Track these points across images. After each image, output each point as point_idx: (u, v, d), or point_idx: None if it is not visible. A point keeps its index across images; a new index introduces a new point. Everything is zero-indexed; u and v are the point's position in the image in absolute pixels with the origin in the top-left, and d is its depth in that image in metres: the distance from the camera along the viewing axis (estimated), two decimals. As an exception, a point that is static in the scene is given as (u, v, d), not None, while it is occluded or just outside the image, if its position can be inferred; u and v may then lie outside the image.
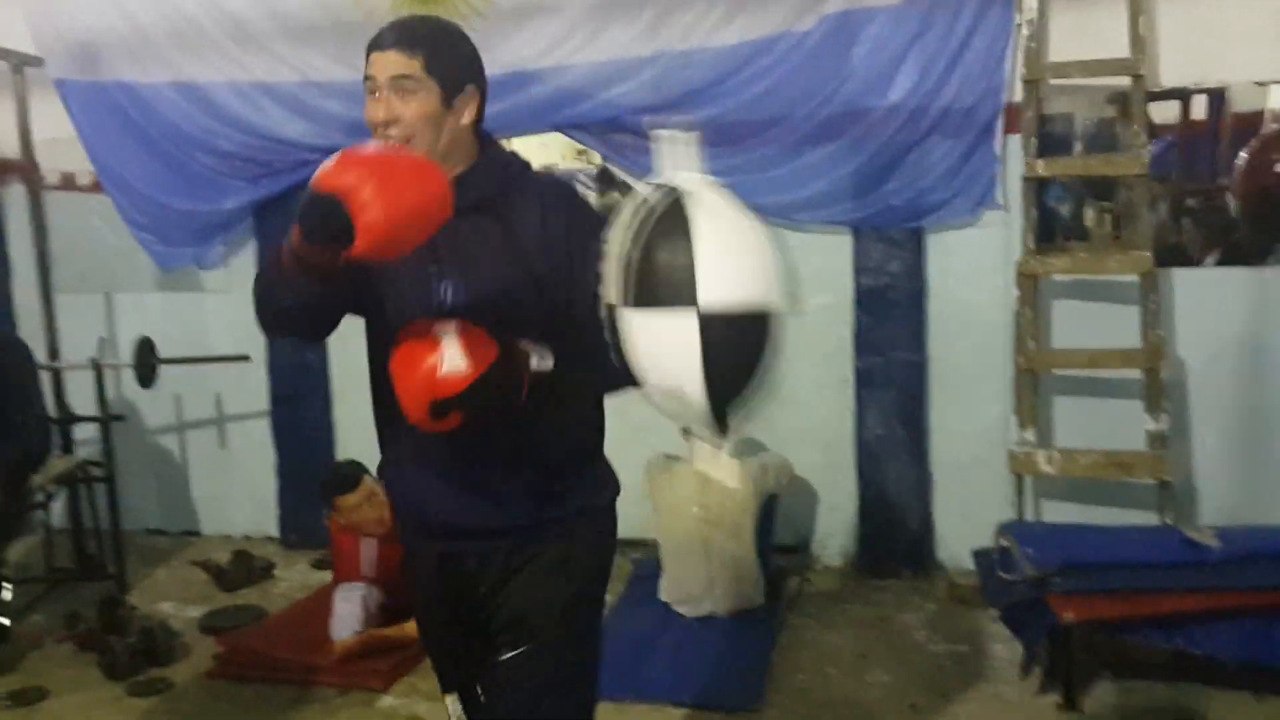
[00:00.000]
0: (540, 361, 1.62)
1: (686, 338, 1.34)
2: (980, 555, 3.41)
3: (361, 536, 3.62)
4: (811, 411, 3.97)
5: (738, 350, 1.37)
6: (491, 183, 1.72)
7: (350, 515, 3.61)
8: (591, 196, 4.36)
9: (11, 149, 4.65)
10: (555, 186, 1.81)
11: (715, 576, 3.56)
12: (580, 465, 1.83)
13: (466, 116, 1.67)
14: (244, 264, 4.59)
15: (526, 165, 1.79)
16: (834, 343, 3.99)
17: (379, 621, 3.56)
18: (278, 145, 4.40)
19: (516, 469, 1.74)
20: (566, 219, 1.71)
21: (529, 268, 1.68)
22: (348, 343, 4.55)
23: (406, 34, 1.64)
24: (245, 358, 4.48)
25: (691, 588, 3.63)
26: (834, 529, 4.17)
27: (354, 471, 3.70)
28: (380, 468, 1.90)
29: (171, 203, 4.54)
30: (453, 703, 1.93)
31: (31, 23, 4.46)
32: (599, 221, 1.58)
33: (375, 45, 1.65)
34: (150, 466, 4.85)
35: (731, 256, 1.37)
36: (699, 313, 1.32)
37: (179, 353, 4.41)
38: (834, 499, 4.13)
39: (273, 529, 4.73)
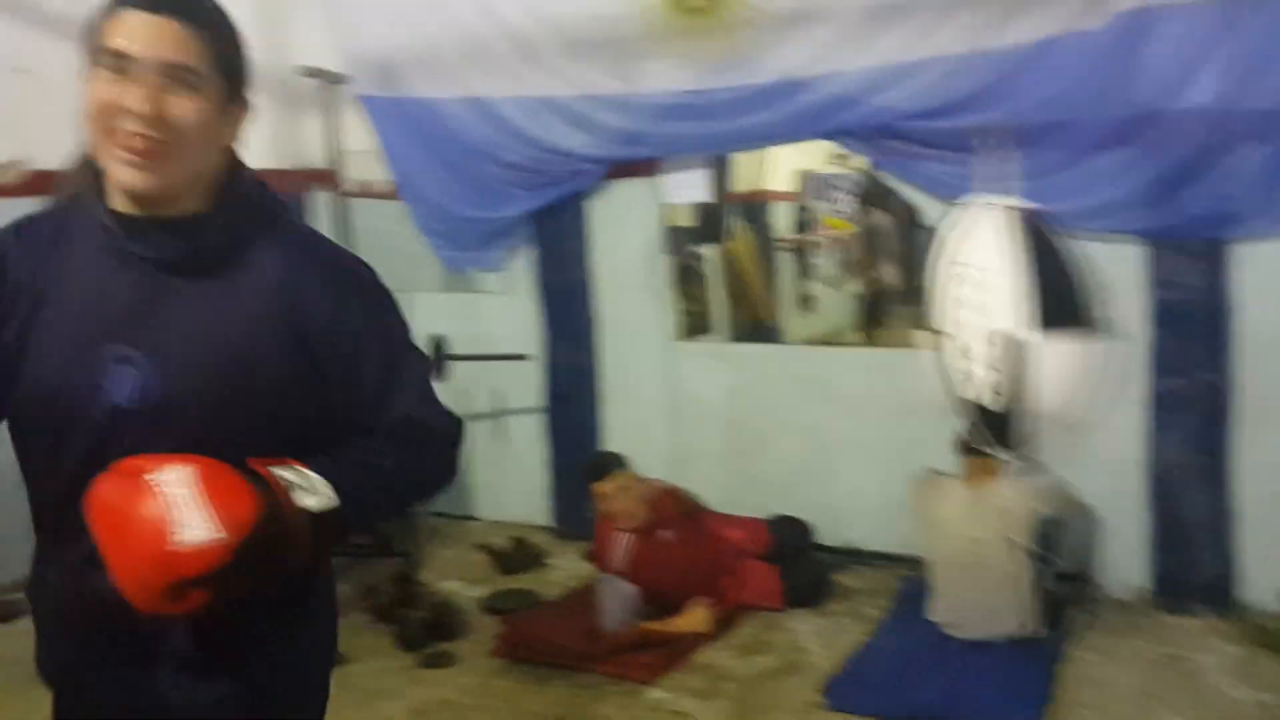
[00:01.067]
0: (322, 497, 1.17)
1: (1080, 359, 1.32)
2: (1293, 596, 3.14)
3: (616, 529, 3.75)
4: (1097, 434, 3.78)
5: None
6: (231, 232, 1.29)
7: (604, 503, 3.75)
8: (846, 202, 4.32)
9: (317, 159, 5.07)
10: (319, 249, 1.39)
11: (989, 600, 3.47)
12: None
13: (231, 135, 1.30)
14: (522, 267, 4.86)
15: (282, 210, 1.38)
16: (1124, 361, 3.77)
17: (644, 616, 3.70)
18: (557, 156, 4.57)
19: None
20: (336, 295, 1.33)
21: (270, 357, 1.27)
22: (615, 343, 4.77)
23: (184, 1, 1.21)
24: (524, 356, 4.73)
25: (963, 610, 3.54)
26: (1121, 559, 3.91)
27: (610, 460, 3.84)
28: (30, 584, 1.40)
29: (460, 210, 4.81)
30: None
31: (340, 44, 4.81)
32: (388, 305, 1.41)
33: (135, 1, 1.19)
34: (438, 455, 5.17)
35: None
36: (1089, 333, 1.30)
37: (465, 350, 4.68)
38: (1122, 527, 3.89)
39: (545, 519, 4.97)
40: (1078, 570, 3.94)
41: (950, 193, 3.94)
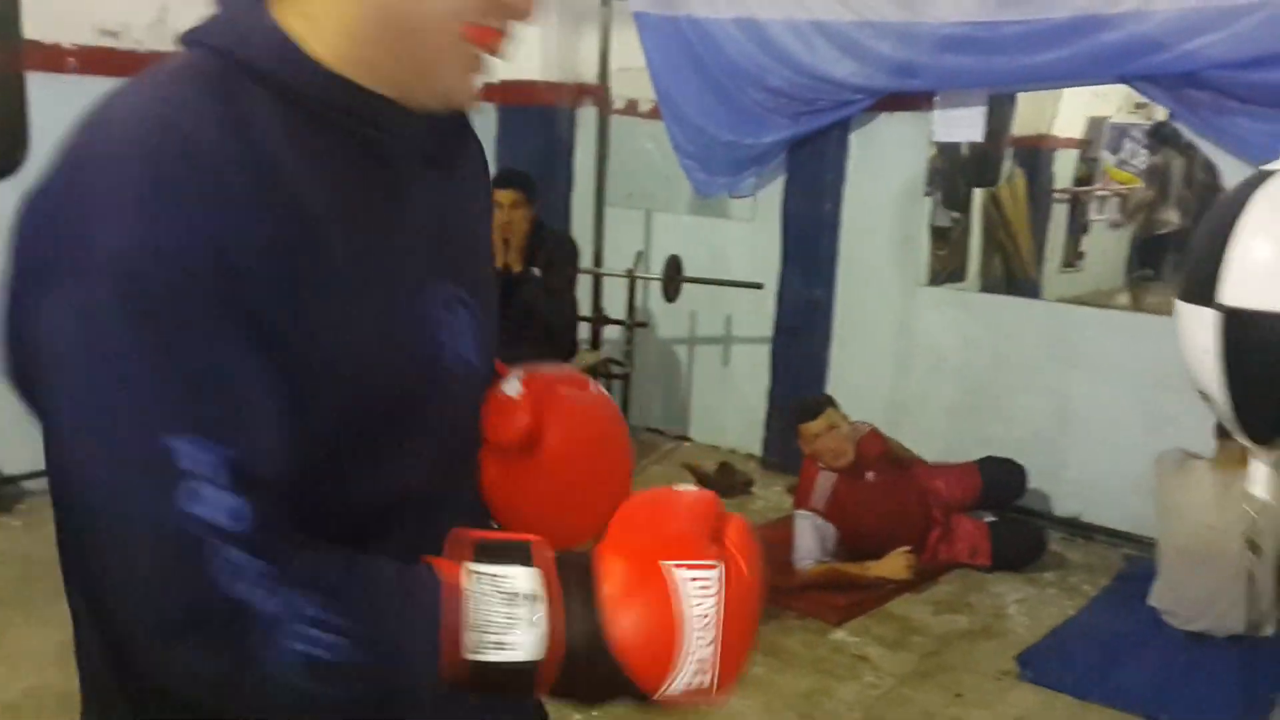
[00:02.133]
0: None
1: (1205, 336, 1.18)
2: None
3: (821, 468, 3.65)
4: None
5: (1269, 355, 1.18)
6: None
7: (811, 444, 3.66)
8: (1143, 155, 3.94)
9: (591, 75, 5.19)
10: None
11: (1220, 593, 3.13)
12: None
13: None
14: (771, 196, 4.77)
15: None
16: None
17: (839, 557, 3.58)
18: (823, 84, 4.45)
19: None
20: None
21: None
22: (856, 283, 4.63)
23: None
24: (758, 285, 4.67)
25: (1190, 600, 3.22)
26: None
27: (820, 400, 3.73)
28: None
29: (718, 134, 4.76)
30: None
31: (622, -41, 4.91)
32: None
33: None
34: (661, 372, 5.24)
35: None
36: (1220, 311, 1.16)
37: (701, 273, 4.69)
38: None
39: (756, 449, 4.92)
40: None
41: (1260, 154, 3.52)
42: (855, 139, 4.55)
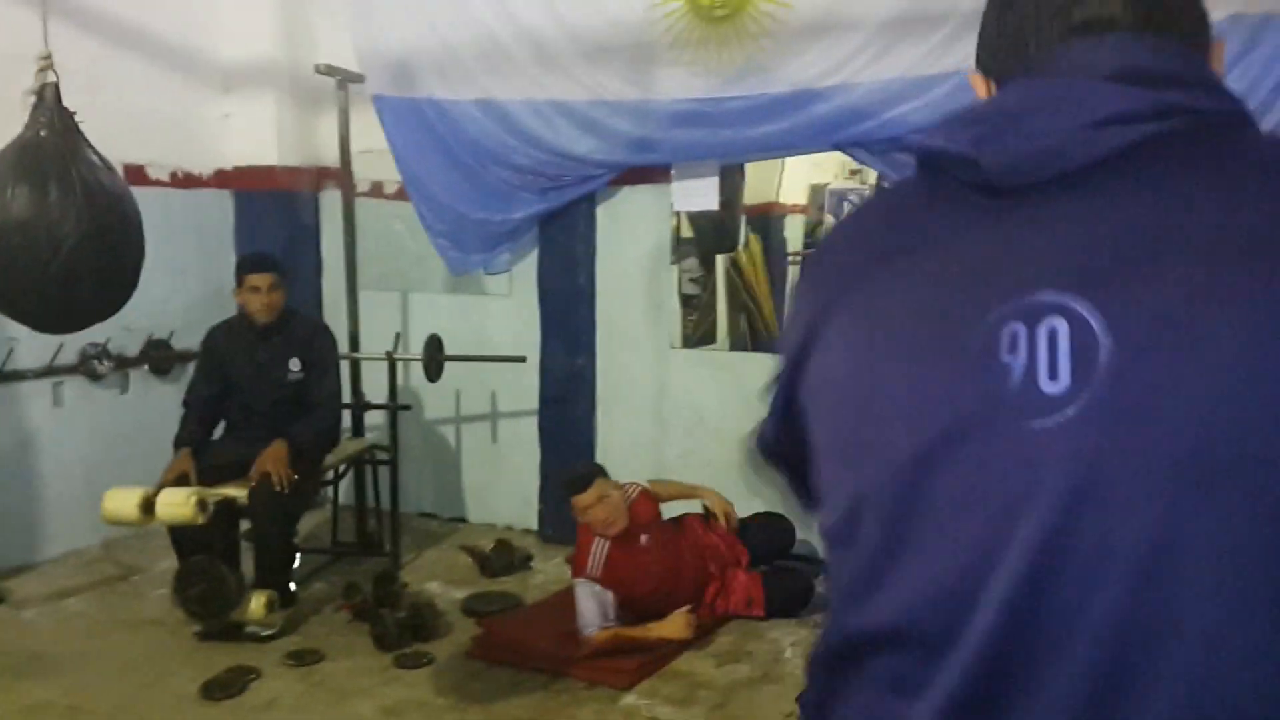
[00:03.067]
0: None
1: None
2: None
3: (595, 536, 3.70)
4: None
5: None
6: None
7: (584, 515, 3.71)
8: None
9: (332, 158, 5.09)
10: None
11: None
12: None
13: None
14: (527, 270, 4.84)
15: None
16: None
17: (623, 621, 3.62)
18: (567, 160, 4.58)
19: None
20: None
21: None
22: (614, 350, 4.76)
23: None
24: (521, 359, 4.70)
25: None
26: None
27: (588, 471, 3.80)
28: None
29: (468, 212, 4.80)
30: None
31: (356, 43, 4.83)
32: None
33: None
34: (429, 454, 5.16)
35: None
36: None
37: (463, 350, 4.68)
38: None
39: (533, 522, 4.92)
40: None
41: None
42: (602, 211, 4.69)
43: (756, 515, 4.16)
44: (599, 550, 3.68)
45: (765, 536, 4.10)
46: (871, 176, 4.28)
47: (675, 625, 3.64)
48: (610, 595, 3.63)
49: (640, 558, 3.73)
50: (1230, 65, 3.41)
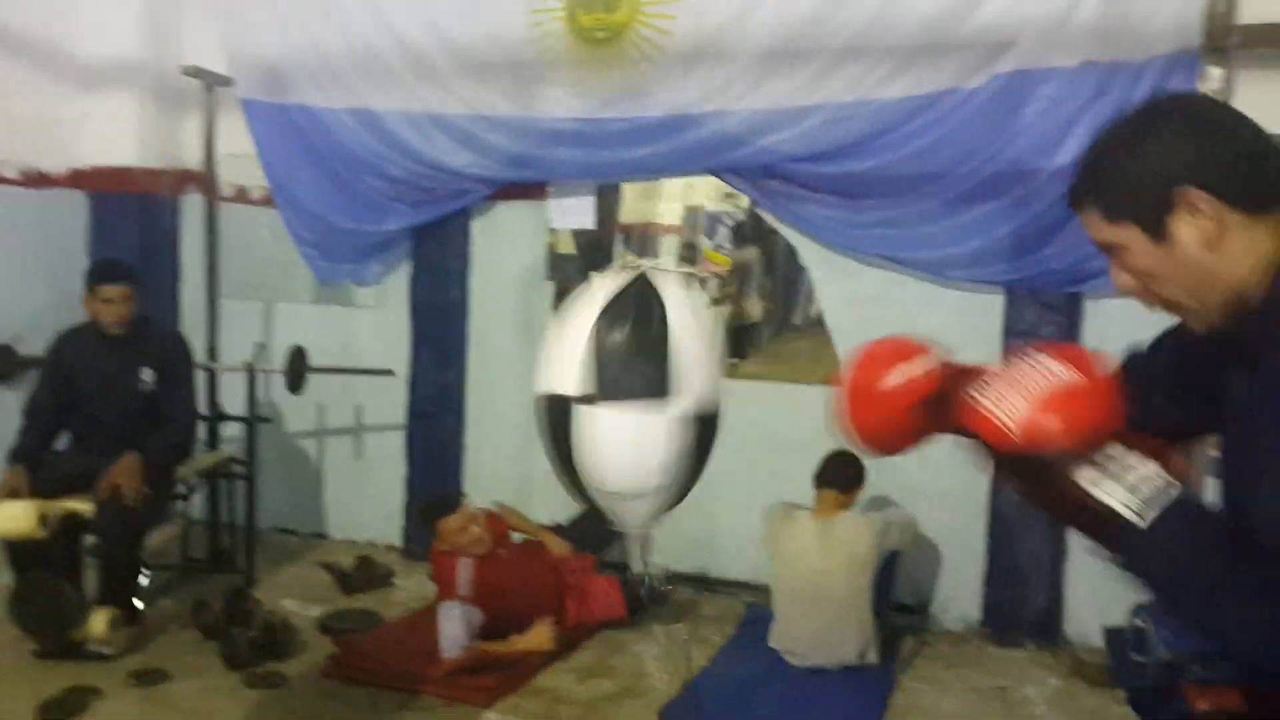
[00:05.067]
0: (1131, 505, 1.10)
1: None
2: (1112, 633, 3.21)
3: (460, 557, 3.69)
4: (944, 470, 3.83)
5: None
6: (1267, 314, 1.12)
7: (453, 538, 3.70)
8: (728, 238, 4.39)
9: (195, 161, 4.94)
10: None
11: (828, 629, 3.47)
12: None
13: (1200, 230, 1.13)
14: (397, 283, 4.76)
15: None
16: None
17: (488, 638, 3.58)
18: (442, 174, 4.55)
19: None
20: None
21: None
22: (486, 365, 4.74)
23: (1076, 185, 1.21)
24: (389, 372, 4.62)
25: (803, 638, 3.54)
26: (957, 592, 4.04)
27: (453, 496, 3.80)
28: None
29: (337, 221, 4.72)
30: None
31: (226, 45, 4.73)
32: None
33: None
34: (289, 468, 5.02)
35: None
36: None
37: (329, 363, 4.58)
38: (959, 562, 4.01)
39: (397, 539, 4.82)
40: (915, 603, 4.04)
41: (830, 239, 4.05)
42: (477, 226, 4.67)
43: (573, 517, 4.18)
44: (465, 570, 3.66)
45: (578, 534, 4.12)
46: (744, 201, 4.37)
47: (539, 636, 3.63)
48: (478, 612, 3.60)
49: (503, 571, 3.73)
50: (1081, 111, 3.63)
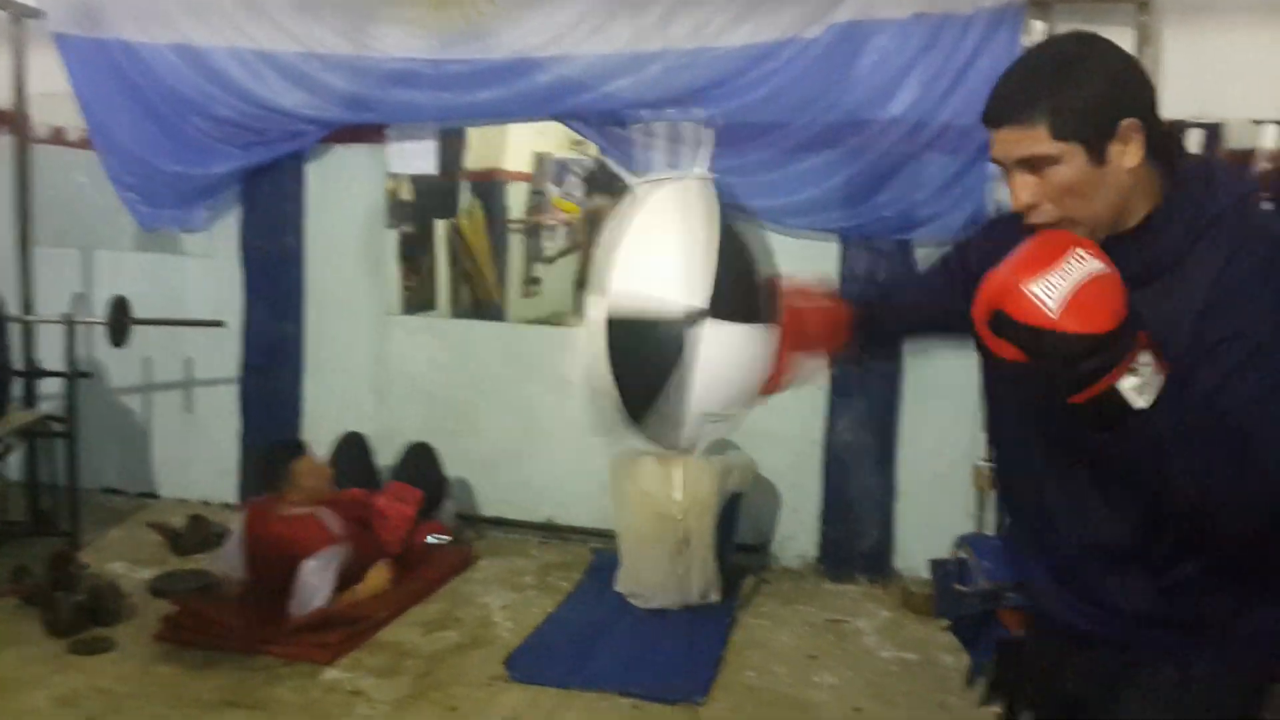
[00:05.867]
0: (1145, 397, 1.16)
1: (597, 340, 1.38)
2: (936, 565, 3.38)
3: (316, 507, 3.61)
4: (782, 413, 3.93)
5: (635, 357, 1.40)
6: (1166, 240, 1.30)
7: (304, 481, 3.62)
8: (577, 186, 4.35)
9: (4, 100, 4.61)
10: (1257, 244, 1.28)
11: (671, 571, 3.53)
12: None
13: (1130, 158, 1.27)
14: (227, 229, 4.56)
15: (1241, 204, 1.32)
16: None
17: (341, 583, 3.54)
18: (273, 114, 4.37)
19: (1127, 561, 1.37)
20: (1251, 293, 1.25)
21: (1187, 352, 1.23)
22: (325, 315, 4.62)
23: (1017, 100, 1.28)
24: (219, 323, 4.44)
25: (647, 581, 3.60)
26: (795, 531, 4.16)
27: (298, 440, 3.71)
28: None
29: (160, 164, 4.49)
30: None
31: (37, -25, 4.44)
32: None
33: (987, 120, 1.32)
34: (114, 426, 4.78)
35: (640, 262, 1.40)
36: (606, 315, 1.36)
37: (155, 314, 4.36)
38: (797, 501, 4.13)
39: (232, 496, 4.66)
40: (756, 542, 4.15)
41: (671, 184, 4.04)
42: (312, 170, 4.50)
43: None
44: (328, 517, 3.60)
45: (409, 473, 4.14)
46: (594, 149, 4.32)
47: (376, 579, 3.64)
48: (351, 551, 3.59)
49: (347, 518, 3.68)
50: (912, 63, 3.72)
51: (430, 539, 4.00)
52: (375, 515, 3.84)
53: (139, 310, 4.28)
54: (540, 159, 4.72)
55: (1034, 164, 1.27)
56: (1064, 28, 3.62)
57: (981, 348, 1.23)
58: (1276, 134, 3.51)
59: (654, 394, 1.41)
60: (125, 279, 4.54)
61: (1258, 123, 3.52)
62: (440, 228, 4.68)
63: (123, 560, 4.04)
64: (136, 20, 4.43)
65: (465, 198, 4.68)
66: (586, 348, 1.41)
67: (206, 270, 4.60)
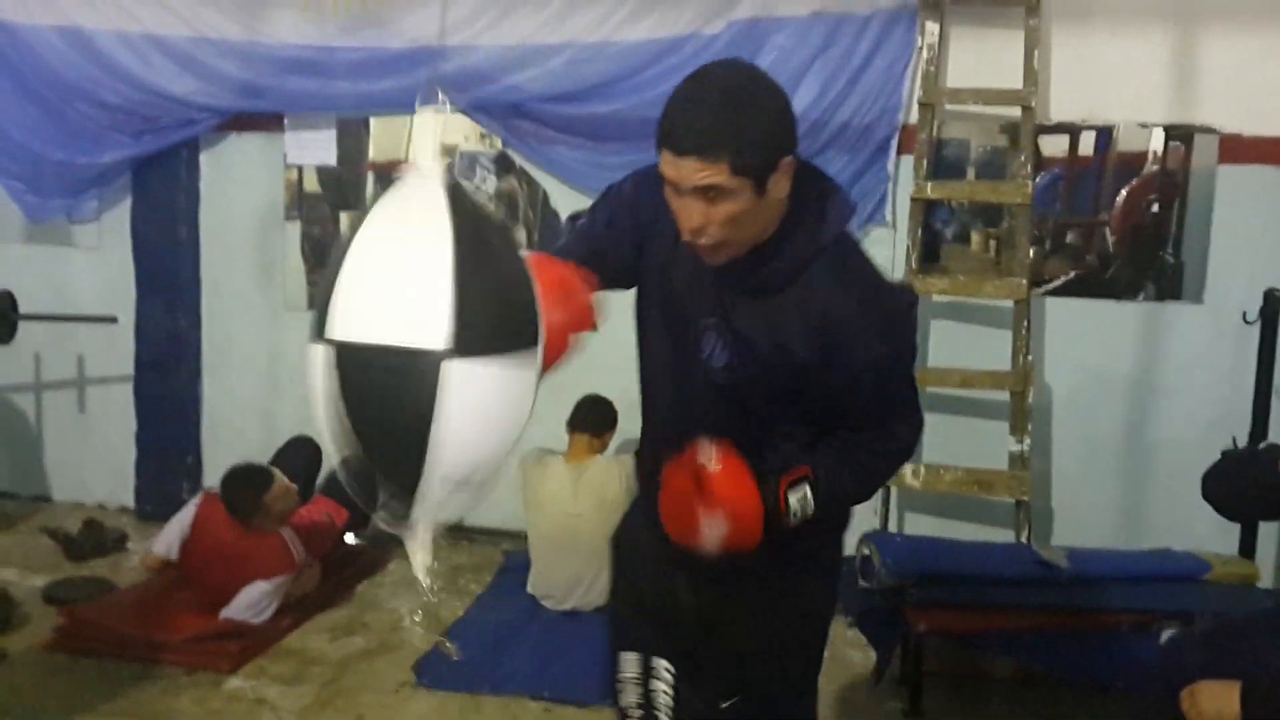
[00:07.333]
0: (801, 505, 1.56)
1: (325, 375, 1.18)
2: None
3: (280, 530, 3.54)
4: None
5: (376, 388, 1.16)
6: (788, 261, 1.51)
7: (276, 505, 3.51)
8: (490, 182, 4.29)
9: None
10: (860, 284, 1.55)
11: (582, 572, 3.53)
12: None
13: (779, 190, 1.46)
14: (118, 220, 4.41)
15: (840, 241, 1.55)
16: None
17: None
18: (164, 101, 4.24)
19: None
20: (860, 328, 1.50)
21: (799, 358, 1.53)
22: (222, 311, 4.48)
23: (706, 135, 1.37)
24: (112, 319, 4.30)
25: (558, 582, 3.60)
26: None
27: (261, 469, 3.60)
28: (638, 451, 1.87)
29: (46, 152, 4.33)
30: (631, 661, 1.93)
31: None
32: (903, 341, 1.60)
33: (670, 145, 1.40)
34: (3, 427, 4.62)
35: (362, 297, 1.17)
36: (330, 345, 1.17)
37: (42, 309, 4.21)
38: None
39: (128, 499, 4.53)
40: None
41: (580, 181, 4.04)
42: (206, 159, 4.38)
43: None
44: (291, 538, 3.54)
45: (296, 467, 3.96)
46: (498, 142, 4.26)
47: (308, 579, 3.64)
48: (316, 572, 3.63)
49: (316, 541, 3.72)
50: (810, 61, 3.76)
51: (349, 539, 3.96)
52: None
53: (26, 305, 4.12)
54: (447, 151, 4.65)
55: (708, 192, 1.39)
56: (956, 30, 3.74)
57: (642, 325, 1.68)
58: (1163, 138, 3.64)
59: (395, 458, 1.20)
60: (11, 272, 4.35)
61: (1145, 127, 3.65)
62: (344, 220, 4.58)
63: (13, 567, 3.93)
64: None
65: (370, 190, 4.59)
66: (314, 391, 1.20)
67: (97, 263, 4.45)
